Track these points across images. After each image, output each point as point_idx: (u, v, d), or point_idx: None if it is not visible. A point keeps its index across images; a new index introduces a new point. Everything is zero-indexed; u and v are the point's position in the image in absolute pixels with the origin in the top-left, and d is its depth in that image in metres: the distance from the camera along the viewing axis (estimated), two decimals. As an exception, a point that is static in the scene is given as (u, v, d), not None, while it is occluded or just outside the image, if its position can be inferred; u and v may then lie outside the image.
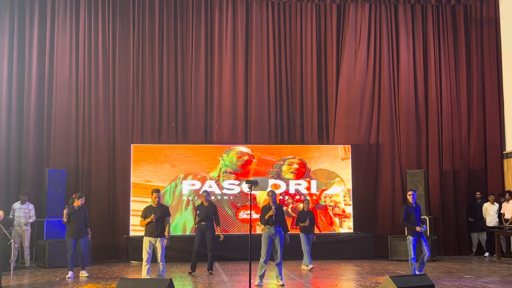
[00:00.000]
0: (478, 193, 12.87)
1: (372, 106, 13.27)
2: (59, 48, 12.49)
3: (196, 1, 13.04)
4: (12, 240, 8.87)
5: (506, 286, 8.50)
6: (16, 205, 11.00)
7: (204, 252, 10.01)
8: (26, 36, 12.46)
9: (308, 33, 13.30)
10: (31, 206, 11.11)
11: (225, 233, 11.14)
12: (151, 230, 8.39)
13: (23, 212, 10.95)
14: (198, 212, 9.96)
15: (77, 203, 9.71)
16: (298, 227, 10.73)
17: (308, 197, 12.03)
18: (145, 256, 8.40)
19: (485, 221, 12.52)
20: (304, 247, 10.54)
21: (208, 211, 9.96)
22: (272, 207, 8.68)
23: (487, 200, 12.58)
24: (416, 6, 13.59)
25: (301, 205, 11.88)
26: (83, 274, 9.65)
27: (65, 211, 9.57)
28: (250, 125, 12.97)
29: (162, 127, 12.71)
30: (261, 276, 8.64)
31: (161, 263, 8.43)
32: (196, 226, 10.06)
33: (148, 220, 8.33)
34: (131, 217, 11.91)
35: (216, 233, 10.06)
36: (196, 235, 10.04)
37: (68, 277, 9.37)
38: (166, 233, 8.52)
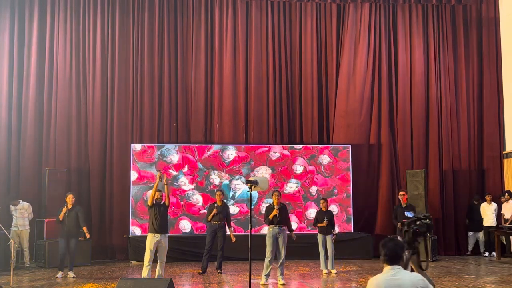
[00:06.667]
0: (476, 201, 12.86)
1: (372, 106, 13.25)
2: (59, 48, 12.48)
3: (196, 1, 13.04)
4: (12, 240, 8.86)
5: (506, 286, 8.51)
6: (11, 207, 11.03)
7: (214, 253, 9.97)
8: (26, 35, 12.45)
9: (308, 33, 13.28)
10: (26, 205, 11.10)
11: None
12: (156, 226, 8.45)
13: (19, 212, 10.95)
14: (212, 210, 9.89)
15: (69, 201, 9.67)
16: (316, 227, 10.28)
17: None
18: (148, 255, 8.35)
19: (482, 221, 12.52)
20: (321, 250, 10.08)
21: (221, 211, 9.94)
22: (275, 207, 8.82)
23: (484, 200, 12.57)
24: (416, 6, 13.59)
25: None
26: (70, 275, 9.53)
27: (64, 209, 9.56)
28: (249, 125, 12.96)
29: (162, 127, 12.69)
30: (267, 275, 8.78)
31: (162, 262, 8.41)
32: (207, 225, 10.03)
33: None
34: (130, 217, 11.91)
35: (227, 234, 9.96)
36: (208, 234, 9.97)
37: (57, 277, 9.36)
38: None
